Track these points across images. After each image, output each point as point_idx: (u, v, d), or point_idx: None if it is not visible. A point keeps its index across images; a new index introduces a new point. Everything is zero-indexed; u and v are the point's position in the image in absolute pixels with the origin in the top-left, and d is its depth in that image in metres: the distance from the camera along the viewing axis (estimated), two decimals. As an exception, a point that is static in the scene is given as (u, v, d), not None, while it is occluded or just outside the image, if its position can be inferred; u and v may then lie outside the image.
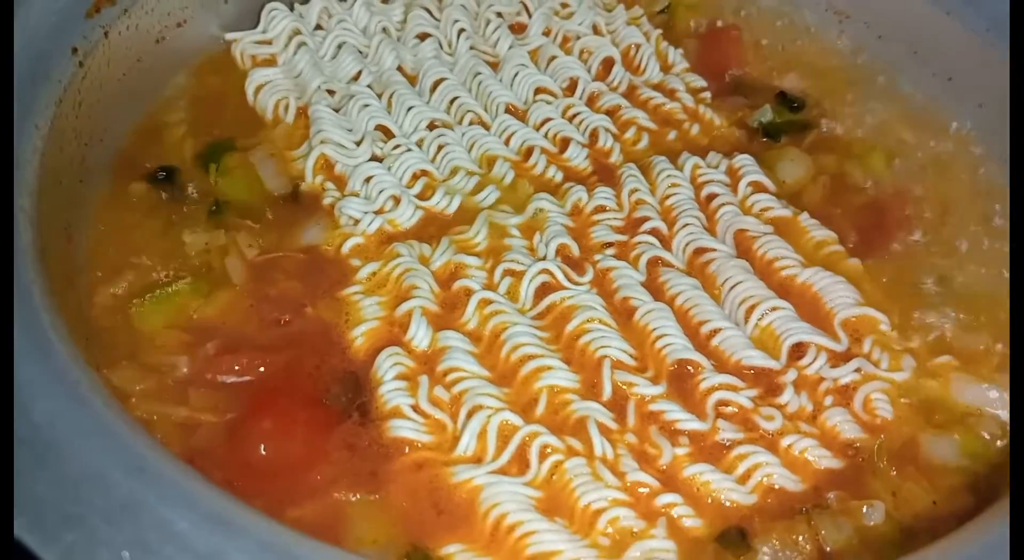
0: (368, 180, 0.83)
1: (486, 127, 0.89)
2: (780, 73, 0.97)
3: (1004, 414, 0.70)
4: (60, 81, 0.76)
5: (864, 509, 0.64)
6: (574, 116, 0.91)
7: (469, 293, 0.76)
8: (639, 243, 0.80)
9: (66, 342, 0.62)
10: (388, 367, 0.71)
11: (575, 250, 0.79)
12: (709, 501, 0.66)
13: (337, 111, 0.88)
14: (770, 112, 0.91)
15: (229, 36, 0.95)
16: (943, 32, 0.92)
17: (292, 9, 0.97)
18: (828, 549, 0.63)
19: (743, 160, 0.86)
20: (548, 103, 0.91)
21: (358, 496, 0.66)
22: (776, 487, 0.66)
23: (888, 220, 0.83)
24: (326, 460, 0.67)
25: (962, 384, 0.71)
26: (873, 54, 0.98)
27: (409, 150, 0.85)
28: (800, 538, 0.63)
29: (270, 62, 0.94)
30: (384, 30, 0.96)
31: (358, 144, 0.86)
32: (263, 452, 0.66)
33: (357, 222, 0.80)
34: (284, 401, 0.69)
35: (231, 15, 0.96)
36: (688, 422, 0.69)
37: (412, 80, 0.93)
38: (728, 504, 0.66)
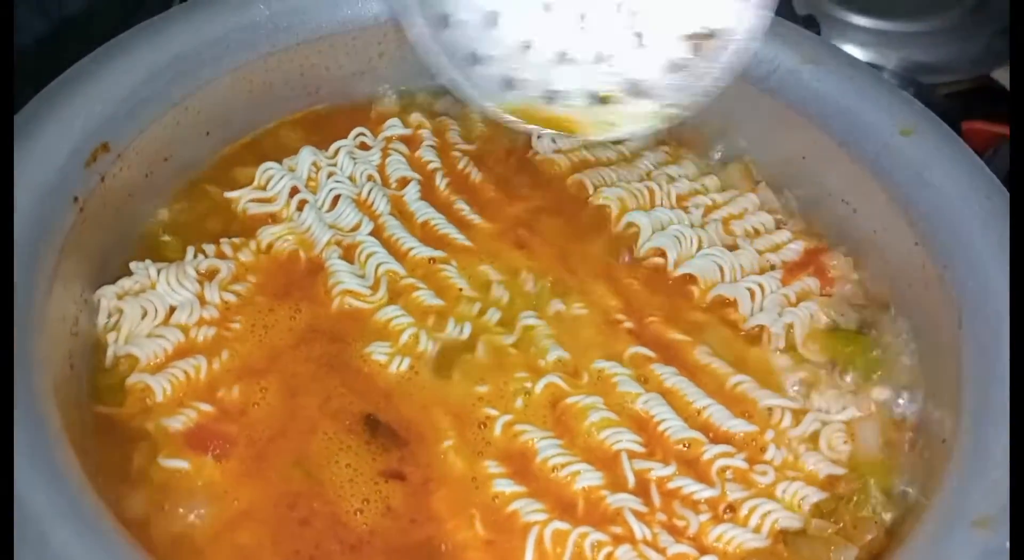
0: (387, 323, 0.91)
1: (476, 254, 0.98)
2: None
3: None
4: (62, 229, 0.81)
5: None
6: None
7: (491, 419, 0.86)
8: (622, 345, 0.93)
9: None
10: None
11: (567, 357, 0.91)
12: (735, 552, 0.81)
13: (348, 261, 0.96)
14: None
15: (230, 194, 1.00)
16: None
17: (281, 163, 1.02)
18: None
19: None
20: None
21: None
22: (782, 529, 0.82)
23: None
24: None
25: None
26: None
27: (418, 288, 0.94)
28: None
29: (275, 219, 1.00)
30: (370, 177, 1.03)
31: (373, 289, 0.94)
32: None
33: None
34: None
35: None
36: (702, 491, 0.83)
37: (407, 216, 1.01)
38: (750, 550, 0.81)
